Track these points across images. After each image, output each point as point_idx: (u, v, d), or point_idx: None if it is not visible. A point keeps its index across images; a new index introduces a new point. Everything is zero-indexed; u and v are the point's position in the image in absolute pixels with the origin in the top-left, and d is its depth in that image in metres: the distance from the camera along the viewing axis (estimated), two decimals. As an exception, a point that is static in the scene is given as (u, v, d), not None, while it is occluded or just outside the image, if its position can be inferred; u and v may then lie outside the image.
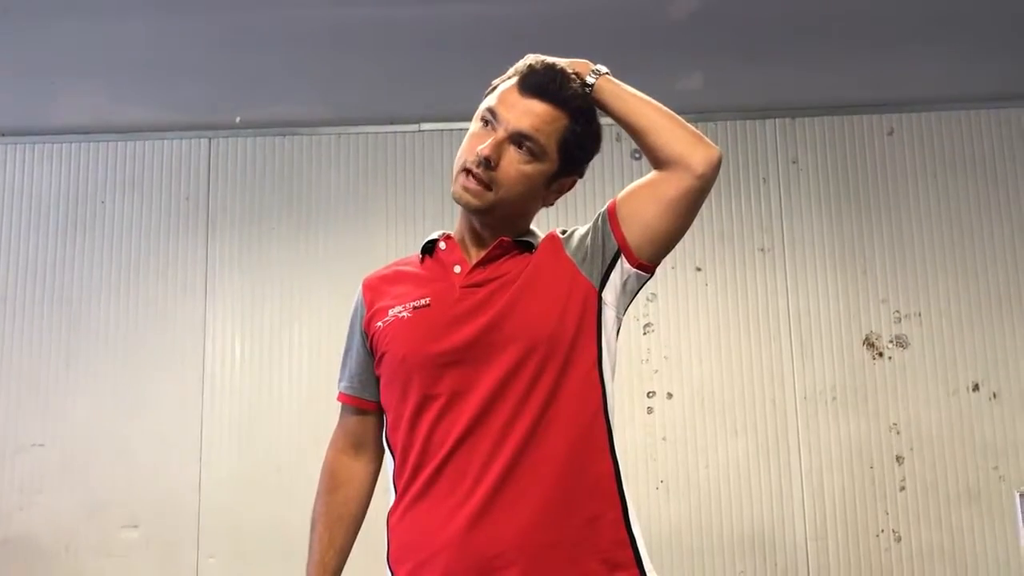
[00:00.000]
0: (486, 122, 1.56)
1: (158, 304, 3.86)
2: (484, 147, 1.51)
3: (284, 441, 3.68)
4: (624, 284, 1.59)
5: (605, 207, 1.62)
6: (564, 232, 1.66)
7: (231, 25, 3.25)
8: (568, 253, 1.60)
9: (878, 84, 3.74)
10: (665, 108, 1.59)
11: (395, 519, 1.57)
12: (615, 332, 1.60)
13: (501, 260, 1.59)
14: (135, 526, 3.68)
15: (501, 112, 1.53)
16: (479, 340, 1.51)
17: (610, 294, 1.59)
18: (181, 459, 3.71)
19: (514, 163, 1.53)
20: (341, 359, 1.73)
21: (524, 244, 1.61)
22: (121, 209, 3.96)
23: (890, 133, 3.85)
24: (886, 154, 3.84)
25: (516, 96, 1.54)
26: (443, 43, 3.35)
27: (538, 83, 1.54)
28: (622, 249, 1.57)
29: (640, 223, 1.57)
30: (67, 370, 3.82)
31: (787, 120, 3.88)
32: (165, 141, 3.99)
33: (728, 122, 3.88)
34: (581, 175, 1.68)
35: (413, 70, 3.55)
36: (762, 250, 3.79)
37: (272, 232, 3.90)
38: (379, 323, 1.60)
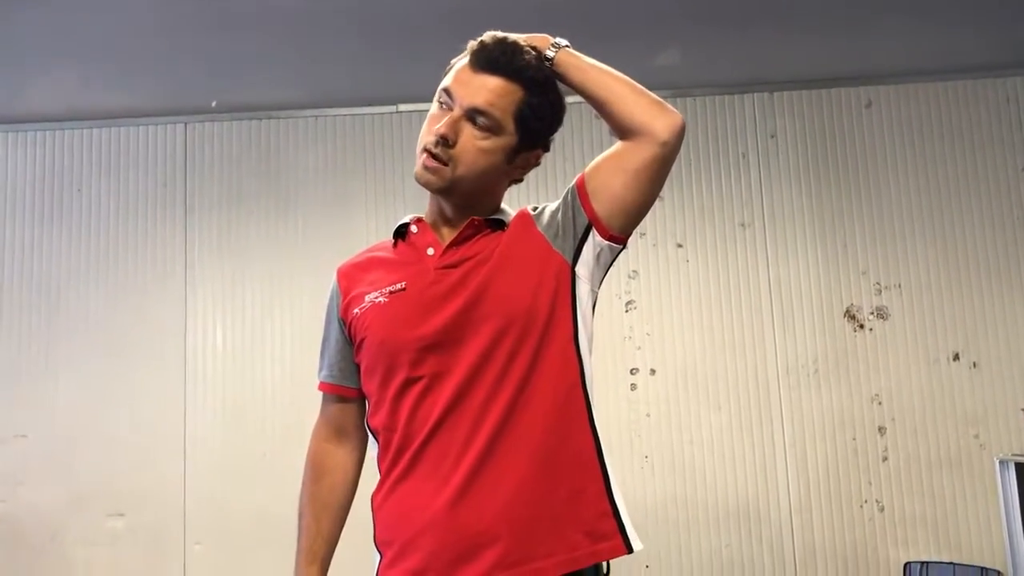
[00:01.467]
0: (442, 103, 1.55)
1: (138, 291, 3.83)
2: (440, 126, 1.51)
3: (268, 426, 3.67)
4: (597, 257, 1.59)
5: (574, 181, 1.62)
6: (535, 209, 1.66)
7: (206, 9, 3.21)
8: (540, 229, 1.59)
9: (855, 57, 3.75)
10: (626, 78, 1.58)
11: (379, 501, 1.57)
12: (591, 306, 1.60)
13: (474, 239, 1.58)
14: (121, 515, 3.68)
15: (455, 90, 1.53)
16: (456, 320, 1.51)
17: (583, 268, 1.58)
18: (165, 447, 3.70)
19: (471, 139, 1.53)
20: (320, 348, 1.73)
21: (495, 223, 1.61)
22: (98, 196, 3.92)
23: (868, 105, 3.86)
24: (864, 127, 3.85)
25: (469, 73, 1.54)
26: (420, 23, 3.32)
27: (490, 57, 1.53)
28: (592, 222, 1.57)
29: (609, 195, 1.57)
30: (47, 360, 3.79)
31: (765, 94, 3.88)
32: (140, 127, 3.96)
33: (706, 97, 3.88)
34: (547, 148, 1.67)
35: (390, 51, 3.53)
36: (742, 225, 3.80)
37: (250, 216, 3.88)
38: (356, 310, 1.60)
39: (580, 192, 1.59)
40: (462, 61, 1.57)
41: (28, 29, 3.27)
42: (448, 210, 1.60)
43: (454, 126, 1.52)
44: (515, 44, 1.55)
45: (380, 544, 1.57)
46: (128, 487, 3.69)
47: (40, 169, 3.95)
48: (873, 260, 3.75)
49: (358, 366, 1.64)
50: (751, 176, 3.84)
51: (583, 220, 1.58)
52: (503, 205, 1.68)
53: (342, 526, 1.70)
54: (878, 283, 3.74)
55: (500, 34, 1.56)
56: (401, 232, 1.66)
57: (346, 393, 1.69)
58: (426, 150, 1.54)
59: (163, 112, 3.94)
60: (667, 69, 3.72)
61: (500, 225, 1.61)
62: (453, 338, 1.51)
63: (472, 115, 1.52)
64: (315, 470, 1.71)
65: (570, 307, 1.57)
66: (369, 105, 3.91)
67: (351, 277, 1.67)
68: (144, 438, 3.71)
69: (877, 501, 3.60)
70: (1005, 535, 3.39)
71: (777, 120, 3.87)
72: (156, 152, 3.95)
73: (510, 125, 1.55)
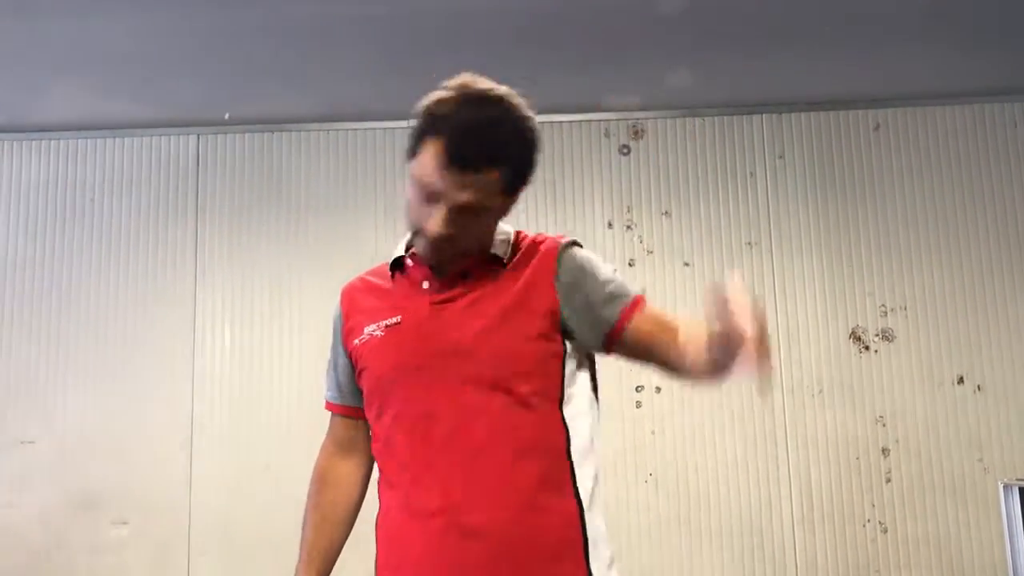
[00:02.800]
0: (425, 194, 1.52)
1: (148, 301, 3.86)
2: (434, 228, 1.49)
3: (274, 437, 3.69)
4: (588, 354, 1.63)
5: (619, 310, 1.57)
6: (570, 249, 1.62)
7: (220, 22, 3.24)
8: (558, 286, 1.57)
9: (864, 80, 3.77)
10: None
11: (378, 530, 1.61)
12: (578, 378, 1.61)
13: (469, 274, 1.58)
14: (125, 523, 3.69)
15: (437, 188, 1.49)
16: (447, 361, 1.52)
17: (576, 353, 1.60)
18: (172, 455, 3.72)
19: (469, 228, 1.52)
20: (326, 367, 1.76)
21: (490, 257, 1.60)
22: (110, 206, 3.95)
23: (876, 128, 3.87)
24: (872, 149, 3.86)
25: (446, 170, 1.47)
26: (431, 38, 3.35)
27: (468, 153, 1.46)
28: (602, 352, 1.61)
29: (631, 352, 1.59)
30: (57, 367, 3.81)
31: (774, 115, 3.90)
32: (154, 138, 3.99)
33: (716, 117, 3.90)
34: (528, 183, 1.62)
35: (400, 66, 3.55)
36: (749, 244, 3.81)
37: (261, 228, 3.91)
38: (356, 340, 1.63)
39: (614, 333, 1.57)
40: (435, 147, 1.49)
41: (43, 39, 3.31)
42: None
43: (447, 223, 1.49)
44: (485, 125, 1.48)
45: (380, 570, 1.59)
46: (134, 495, 3.70)
47: (54, 178, 3.98)
48: (879, 282, 3.76)
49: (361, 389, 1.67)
50: (759, 196, 3.85)
51: (598, 345, 1.60)
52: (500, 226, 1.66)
53: (344, 540, 1.72)
54: (884, 305, 3.74)
55: (467, 113, 1.49)
56: (398, 264, 1.66)
57: (352, 413, 1.71)
58: (423, 234, 1.53)
59: (176, 123, 3.97)
60: (678, 88, 3.74)
61: (495, 259, 1.60)
62: (440, 376, 1.52)
63: (462, 209, 1.49)
64: (319, 483, 1.74)
65: (560, 378, 1.57)
66: (379, 120, 3.93)
67: (352, 301, 1.70)
68: (151, 447, 3.73)
69: (880, 522, 3.59)
70: (1008, 559, 3.38)
71: (785, 141, 3.89)
72: (169, 163, 3.98)
73: (499, 198, 1.53)
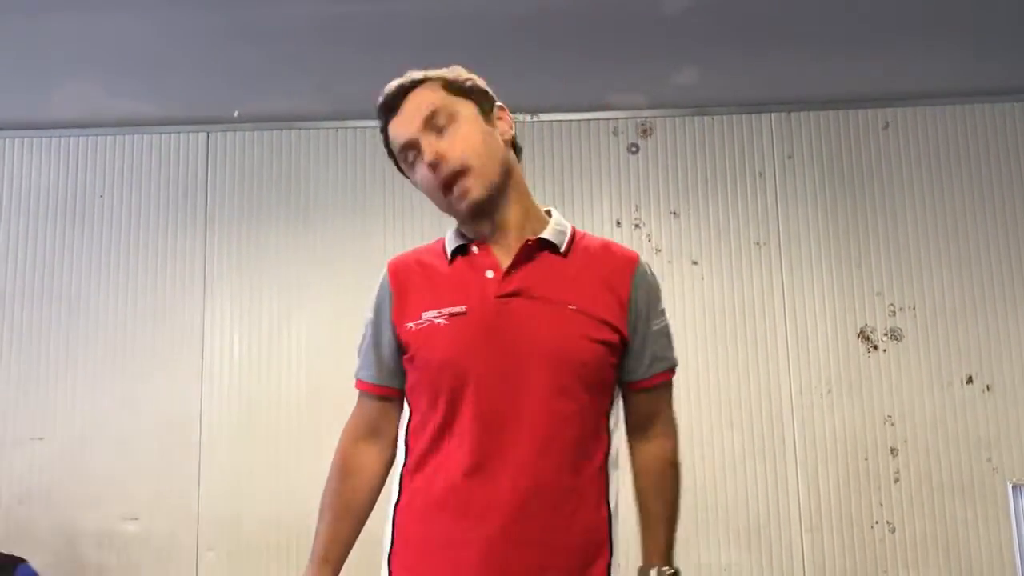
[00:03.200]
0: (410, 160, 1.61)
1: (156, 298, 3.87)
2: (426, 160, 1.55)
3: (283, 435, 3.69)
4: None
5: (657, 369, 1.66)
6: (645, 268, 1.66)
7: (229, 19, 3.25)
8: (631, 302, 1.60)
9: (874, 79, 3.76)
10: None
11: (401, 518, 1.58)
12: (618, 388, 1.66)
13: (530, 263, 1.58)
14: (135, 519, 3.70)
15: (400, 137, 1.60)
16: (514, 360, 1.51)
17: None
18: (180, 452, 3.73)
19: (455, 135, 1.56)
20: (362, 344, 1.71)
21: (549, 244, 1.61)
22: (119, 203, 3.96)
23: (885, 127, 3.86)
24: (882, 148, 3.85)
25: (393, 121, 1.63)
26: (441, 37, 3.35)
27: (392, 97, 1.63)
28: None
29: (625, 400, 1.67)
30: (66, 364, 3.83)
31: (783, 114, 3.90)
32: (163, 135, 4.00)
33: (724, 116, 3.89)
34: (497, 102, 1.69)
35: (411, 64, 3.54)
36: (758, 244, 3.81)
37: (270, 226, 3.91)
38: (410, 324, 1.59)
39: (632, 384, 1.66)
40: (385, 123, 1.66)
41: (53, 36, 3.32)
42: (496, 223, 1.60)
43: (432, 149, 1.55)
44: (400, 77, 1.64)
45: (393, 557, 1.58)
46: (142, 492, 3.71)
47: (63, 175, 3.99)
48: (888, 282, 3.75)
49: (404, 370, 1.64)
50: (767, 195, 3.85)
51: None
52: (549, 210, 1.68)
53: (360, 529, 1.69)
54: (892, 305, 3.74)
55: (390, 87, 1.66)
56: (463, 250, 1.63)
57: (390, 394, 1.67)
58: (443, 187, 1.56)
59: (185, 121, 3.97)
60: (686, 87, 3.74)
61: (554, 248, 1.61)
62: (509, 375, 1.51)
63: (429, 127, 1.57)
64: (343, 469, 1.69)
65: (612, 384, 1.60)
66: (389, 118, 3.93)
67: (404, 280, 1.65)
68: (160, 444, 3.74)
69: (888, 522, 3.59)
70: (1017, 559, 3.38)
71: (794, 140, 3.88)
72: (178, 160, 3.98)
73: (456, 102, 1.59)
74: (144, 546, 3.68)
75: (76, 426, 3.77)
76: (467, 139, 1.56)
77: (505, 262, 1.58)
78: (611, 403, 1.60)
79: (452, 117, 1.56)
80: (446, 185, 1.54)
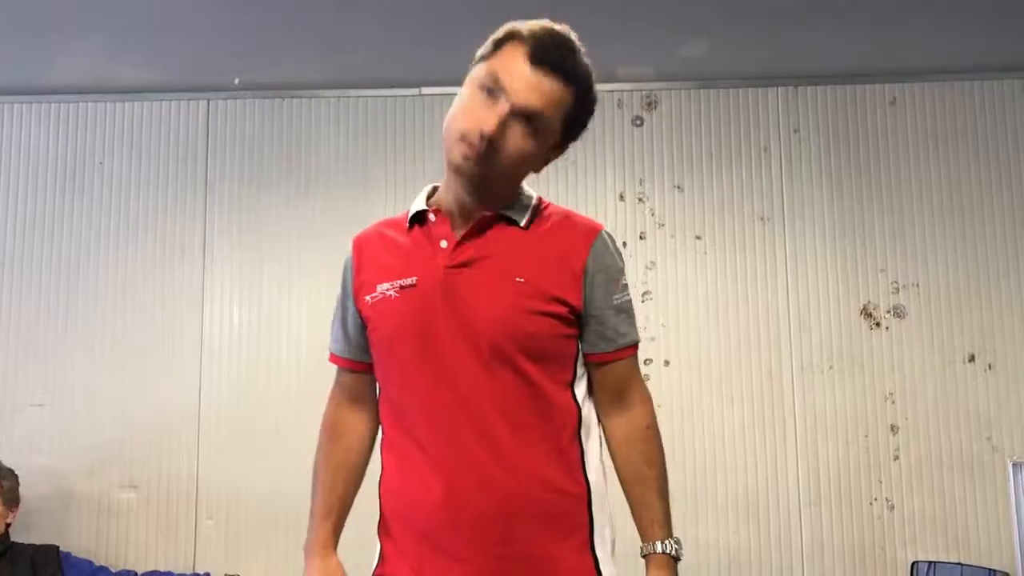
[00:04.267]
0: (488, 89, 1.45)
1: (156, 265, 3.86)
2: (487, 125, 1.43)
3: (282, 404, 3.69)
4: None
5: (616, 344, 1.60)
6: (605, 240, 1.60)
7: (230, -15, 3.22)
8: (586, 273, 1.55)
9: (881, 54, 3.73)
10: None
11: (383, 492, 1.60)
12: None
13: (485, 234, 1.55)
14: (134, 487, 3.71)
15: (507, 82, 1.44)
16: (459, 331, 1.50)
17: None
18: (180, 420, 3.73)
19: (516, 140, 1.46)
20: (334, 319, 1.72)
21: (508, 219, 1.57)
22: (119, 170, 3.94)
23: (892, 103, 3.83)
24: (888, 124, 3.82)
25: (524, 65, 1.44)
26: (445, 6, 3.32)
27: (549, 56, 1.45)
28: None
29: (590, 376, 1.62)
30: (65, 330, 3.82)
31: (790, 88, 3.86)
32: (163, 102, 3.97)
33: (731, 90, 3.85)
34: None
35: (414, 33, 3.53)
36: (762, 219, 3.78)
37: (270, 194, 3.89)
38: (367, 297, 1.59)
39: (591, 357, 1.61)
40: (513, 48, 1.47)
41: (55, 2, 3.29)
42: (467, 198, 1.54)
43: (502, 126, 1.44)
44: (571, 42, 1.49)
45: (381, 531, 1.60)
46: (142, 460, 3.72)
47: (63, 141, 3.97)
48: (892, 258, 3.73)
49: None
50: (772, 170, 3.82)
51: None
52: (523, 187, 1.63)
53: (356, 488, 1.70)
54: (896, 282, 3.72)
55: (555, 26, 1.49)
56: (419, 218, 1.61)
57: (358, 368, 1.68)
58: (467, 139, 1.45)
59: (186, 88, 3.94)
60: (692, 60, 3.71)
61: (512, 221, 1.57)
62: (455, 346, 1.50)
63: (523, 115, 1.45)
64: (331, 431, 1.71)
65: (574, 355, 1.57)
66: (392, 87, 3.91)
67: (365, 254, 1.65)
68: (159, 412, 3.74)
69: (887, 499, 3.59)
70: (1016, 537, 3.39)
71: (800, 114, 3.85)
72: (178, 128, 3.96)
73: (556, 131, 1.51)
74: (143, 514, 3.69)
75: (76, 393, 3.77)
76: (517, 162, 1.50)
77: (460, 232, 1.55)
78: (574, 375, 1.57)
79: (539, 130, 1.48)
80: (471, 143, 1.45)
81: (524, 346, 1.49)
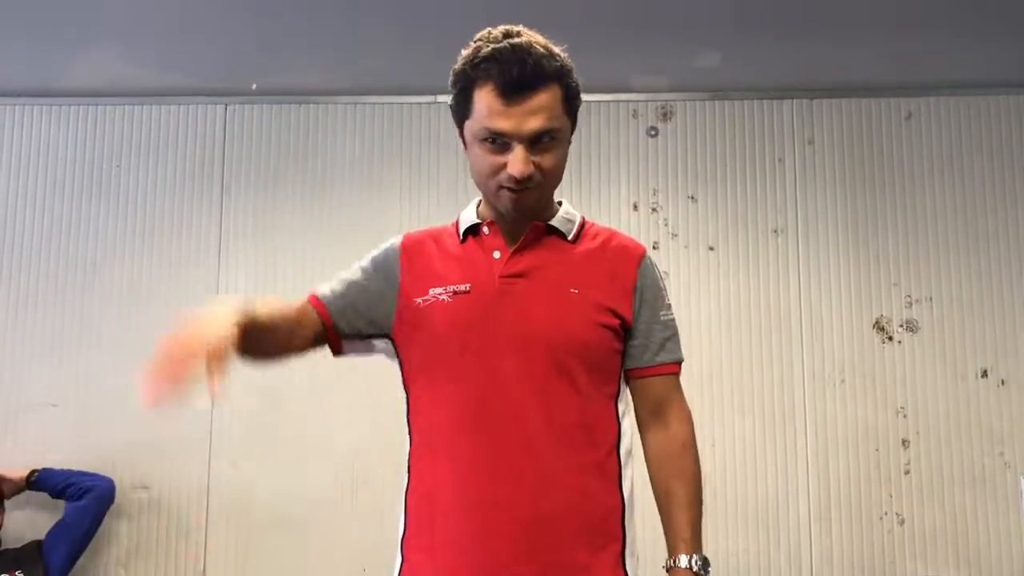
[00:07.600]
0: (492, 140, 1.49)
1: (172, 268, 3.88)
2: (516, 169, 1.47)
3: (295, 410, 3.69)
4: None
5: (662, 359, 1.64)
6: (650, 260, 1.67)
7: (250, -9, 3.25)
8: (636, 290, 1.61)
9: (897, 67, 3.72)
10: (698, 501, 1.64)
11: (410, 501, 1.58)
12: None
13: (537, 247, 1.59)
14: (146, 487, 3.72)
15: (504, 128, 1.47)
16: (513, 340, 1.52)
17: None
18: (193, 421, 3.74)
19: (547, 159, 1.51)
20: (342, 274, 1.72)
21: (556, 231, 1.61)
22: (137, 173, 3.97)
23: (908, 117, 3.83)
24: (903, 138, 3.82)
25: (504, 105, 1.47)
26: (462, 15, 3.33)
27: (520, 79, 1.46)
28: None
29: (632, 390, 1.65)
30: (81, 332, 3.84)
31: (805, 101, 3.86)
32: (181, 106, 3.99)
33: (745, 101, 3.86)
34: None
35: (431, 41, 3.53)
36: (775, 231, 3.78)
37: (286, 199, 3.91)
38: (418, 299, 1.59)
39: (634, 371, 1.64)
40: (485, 91, 1.48)
41: (74, 5, 3.32)
42: (515, 214, 1.58)
43: (528, 161, 1.48)
44: (529, 45, 1.48)
45: (407, 542, 1.57)
46: (154, 462, 3.73)
47: (81, 144, 3.99)
48: (905, 272, 3.72)
49: (360, 329, 1.64)
50: (786, 182, 3.82)
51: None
52: (560, 200, 1.67)
53: (273, 341, 1.68)
54: (909, 296, 3.71)
55: (510, 39, 1.48)
56: (473, 230, 1.63)
57: (326, 322, 1.66)
58: (506, 188, 1.50)
59: (204, 92, 3.97)
60: (706, 71, 3.71)
61: (561, 235, 1.61)
62: (507, 355, 1.51)
63: (538, 138, 1.49)
64: (292, 311, 1.66)
65: (618, 367, 1.60)
66: (408, 94, 3.93)
67: (416, 256, 1.66)
68: (172, 414, 3.75)
69: (897, 514, 3.58)
70: (1026, 555, 3.37)
71: (815, 127, 3.85)
72: (196, 132, 3.98)
73: (567, 121, 1.56)
74: (154, 515, 3.71)
75: (90, 394, 3.79)
76: (557, 166, 1.55)
77: (513, 243, 1.59)
78: (618, 390, 1.60)
79: (555, 136, 1.52)
80: (511, 189, 1.51)
81: (581, 356, 1.52)
